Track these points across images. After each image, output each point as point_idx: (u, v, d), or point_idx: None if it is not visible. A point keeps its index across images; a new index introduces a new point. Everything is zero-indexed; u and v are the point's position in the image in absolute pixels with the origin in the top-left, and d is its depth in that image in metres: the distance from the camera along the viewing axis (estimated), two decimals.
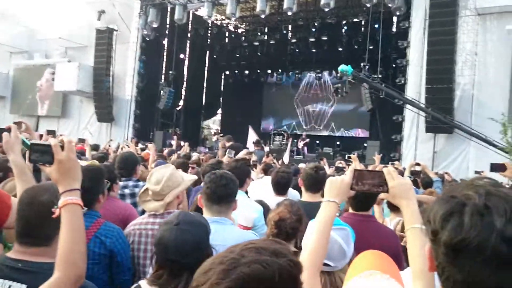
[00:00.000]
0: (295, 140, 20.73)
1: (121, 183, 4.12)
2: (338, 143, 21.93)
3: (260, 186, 4.96)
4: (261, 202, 3.84)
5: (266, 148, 14.68)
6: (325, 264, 2.02)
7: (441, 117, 13.61)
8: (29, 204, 1.78)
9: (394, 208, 4.02)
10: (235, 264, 0.94)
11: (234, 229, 2.78)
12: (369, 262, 1.56)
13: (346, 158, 12.34)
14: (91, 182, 2.64)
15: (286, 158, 13.88)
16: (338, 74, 14.64)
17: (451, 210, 0.98)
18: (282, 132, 22.17)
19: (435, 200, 1.06)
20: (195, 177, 3.38)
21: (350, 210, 3.05)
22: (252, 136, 15.06)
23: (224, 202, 2.70)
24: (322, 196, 3.85)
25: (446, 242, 0.96)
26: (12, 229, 1.93)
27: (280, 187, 4.37)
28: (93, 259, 2.55)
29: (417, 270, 1.63)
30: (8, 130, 2.42)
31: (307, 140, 20.41)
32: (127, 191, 4.16)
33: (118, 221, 3.24)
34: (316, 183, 3.76)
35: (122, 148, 9.90)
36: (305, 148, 20.05)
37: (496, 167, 4.67)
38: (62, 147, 1.61)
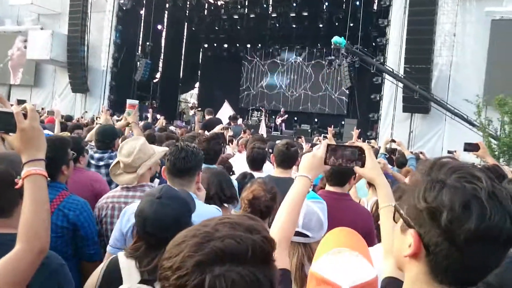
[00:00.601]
0: (273, 116, 20.68)
1: (97, 155, 4.07)
2: (316, 120, 21.99)
3: (243, 161, 4.91)
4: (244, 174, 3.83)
5: (241, 123, 14.64)
6: (303, 235, 2.04)
7: (428, 96, 13.72)
8: None
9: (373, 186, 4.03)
10: (209, 238, 0.94)
11: (196, 203, 2.72)
12: (338, 239, 1.56)
13: (322, 135, 12.40)
14: (54, 153, 2.51)
15: (262, 131, 13.82)
16: (332, 46, 14.39)
17: (468, 198, 1.01)
18: (260, 108, 22.08)
19: (428, 186, 1.06)
20: (166, 149, 3.28)
21: (327, 187, 3.05)
22: (227, 110, 14.90)
23: (185, 175, 2.64)
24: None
25: (471, 229, 0.98)
26: None
27: (256, 163, 4.35)
28: (56, 232, 2.47)
29: (388, 249, 1.64)
30: None
31: (286, 116, 20.35)
32: (101, 163, 4.08)
33: (87, 191, 3.22)
34: (287, 159, 3.77)
35: (96, 119, 9.70)
36: (283, 125, 20.04)
37: (470, 147, 4.68)
38: (25, 115, 1.54)
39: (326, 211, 2.18)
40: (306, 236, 2.06)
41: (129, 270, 1.88)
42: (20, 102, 6.07)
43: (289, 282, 1.74)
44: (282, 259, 1.71)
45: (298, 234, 2.02)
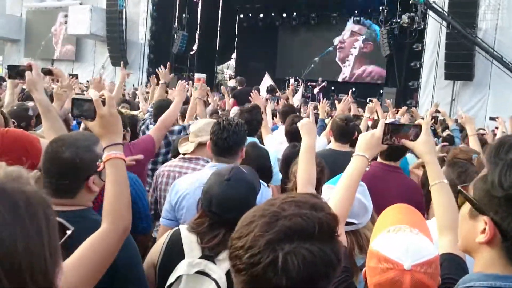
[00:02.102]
0: (310, 86, 20.46)
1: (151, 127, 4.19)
2: (353, 89, 21.66)
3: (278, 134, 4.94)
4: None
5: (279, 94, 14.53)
6: (349, 223, 2.02)
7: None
8: (50, 160, 1.79)
9: None
10: (277, 217, 0.99)
11: None
12: (397, 215, 1.57)
13: (367, 102, 12.10)
14: None
15: (295, 100, 13.65)
16: (411, 2, 13.55)
17: None
18: (297, 78, 21.90)
19: (504, 170, 1.04)
20: None
21: (379, 159, 3.06)
22: (267, 81, 14.83)
23: (228, 154, 2.69)
24: (352, 146, 3.88)
25: None
26: None
27: (297, 137, 4.35)
28: None
29: (444, 225, 1.65)
30: (30, 68, 2.47)
31: (324, 84, 20.02)
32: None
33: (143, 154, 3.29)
34: (345, 134, 3.81)
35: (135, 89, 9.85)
36: (321, 94, 19.82)
37: None
38: (104, 102, 1.61)
39: (367, 192, 2.16)
40: (352, 223, 2.04)
41: (191, 245, 1.90)
42: (73, 75, 6.18)
43: (347, 260, 1.72)
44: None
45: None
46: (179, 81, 4.37)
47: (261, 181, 2.82)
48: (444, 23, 13.74)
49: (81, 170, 1.78)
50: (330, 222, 1.01)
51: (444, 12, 13.33)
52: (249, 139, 3.81)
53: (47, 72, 3.70)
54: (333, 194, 1.85)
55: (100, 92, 1.70)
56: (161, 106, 4.26)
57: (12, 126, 3.14)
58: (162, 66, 5.19)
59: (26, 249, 0.75)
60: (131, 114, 3.63)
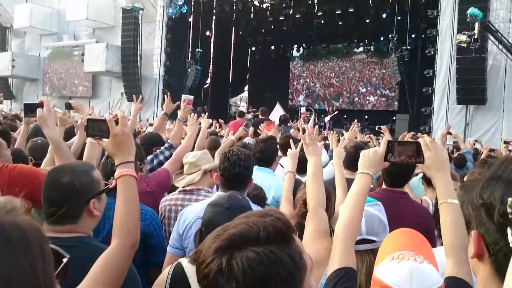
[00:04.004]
0: (322, 115, 20.48)
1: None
2: (366, 117, 21.66)
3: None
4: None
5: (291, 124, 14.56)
6: (370, 241, 1.99)
7: None
8: (50, 186, 1.84)
9: (430, 184, 3.85)
10: (225, 229, 1.01)
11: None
12: (400, 241, 1.52)
13: (376, 129, 12.06)
14: None
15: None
16: (468, 19, 13.00)
17: None
18: (310, 108, 21.98)
19: (486, 182, 1.03)
20: None
21: (384, 186, 3.00)
22: (278, 111, 14.93)
23: (241, 187, 2.71)
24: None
25: None
26: None
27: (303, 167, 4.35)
28: None
29: (447, 247, 1.61)
30: (41, 105, 2.52)
31: (335, 113, 19.96)
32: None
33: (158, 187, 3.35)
34: (355, 162, 3.75)
35: (149, 125, 10.01)
36: (331, 122, 19.76)
37: None
38: (117, 122, 1.68)
39: (384, 211, 2.12)
40: (372, 241, 2.00)
41: (195, 276, 1.89)
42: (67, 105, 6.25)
43: (354, 281, 1.68)
44: (347, 257, 1.71)
45: (363, 241, 1.98)
46: (191, 114, 4.29)
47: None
48: (455, 46, 13.64)
49: (81, 193, 1.82)
50: (277, 224, 0.99)
51: (499, 33, 13.01)
52: (264, 170, 3.82)
53: (68, 106, 3.82)
54: (341, 213, 1.83)
55: (114, 113, 1.76)
56: (148, 140, 4.28)
57: (30, 164, 3.17)
58: (166, 95, 5.00)
59: (19, 282, 0.77)
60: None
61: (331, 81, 24.38)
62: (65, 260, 1.03)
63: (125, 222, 1.61)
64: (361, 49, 23.31)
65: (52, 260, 0.89)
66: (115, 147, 1.68)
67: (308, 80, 25.06)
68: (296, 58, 25.61)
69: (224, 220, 1.86)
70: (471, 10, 12.45)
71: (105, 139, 1.70)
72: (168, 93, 5.12)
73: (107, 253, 1.56)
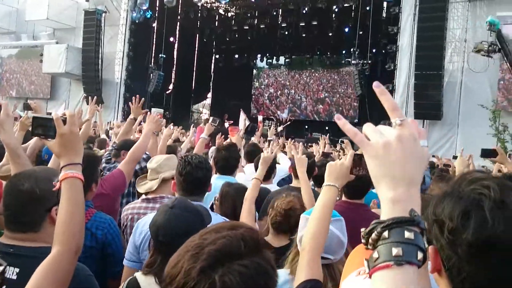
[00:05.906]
0: (277, 124, 20.62)
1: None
2: (327, 128, 21.98)
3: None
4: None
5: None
6: (325, 258, 2.00)
7: None
8: (10, 193, 1.76)
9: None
10: (201, 247, 0.99)
11: (212, 217, 2.75)
12: (364, 257, 1.52)
13: (339, 142, 12.27)
14: (86, 171, 2.57)
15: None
16: (487, 28, 12.63)
17: (469, 207, 0.95)
18: (271, 116, 22.13)
19: (439, 198, 1.03)
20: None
21: (343, 198, 3.05)
22: (242, 118, 14.96)
23: (200, 191, 2.72)
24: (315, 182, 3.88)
25: (470, 240, 0.92)
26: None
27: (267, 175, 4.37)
28: (84, 253, 2.40)
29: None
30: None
31: (288, 123, 20.07)
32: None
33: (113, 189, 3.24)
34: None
35: (110, 129, 9.78)
36: (284, 132, 19.75)
37: (488, 153, 4.45)
38: (64, 121, 1.59)
39: (345, 227, 2.12)
40: (328, 259, 2.01)
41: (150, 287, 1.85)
42: (47, 113, 6.10)
43: None
44: (315, 268, 1.74)
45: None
46: (148, 113, 4.19)
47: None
48: (413, 63, 14.14)
49: (42, 201, 1.74)
50: (253, 235, 1.02)
51: (508, 47, 12.82)
52: (227, 178, 3.77)
53: (26, 107, 3.73)
54: (308, 226, 1.84)
55: (62, 111, 1.68)
56: (124, 146, 4.12)
57: None
58: (134, 98, 4.74)
59: None
60: (92, 153, 3.49)
61: (293, 91, 24.63)
62: (0, 268, 0.98)
63: (69, 226, 1.53)
64: (323, 61, 23.65)
65: None
66: (61, 147, 1.59)
67: (272, 89, 25.22)
68: (259, 68, 25.74)
69: (165, 219, 1.87)
70: (491, 18, 12.50)
71: (51, 139, 1.61)
72: (138, 95, 4.90)
73: (49, 259, 1.48)
